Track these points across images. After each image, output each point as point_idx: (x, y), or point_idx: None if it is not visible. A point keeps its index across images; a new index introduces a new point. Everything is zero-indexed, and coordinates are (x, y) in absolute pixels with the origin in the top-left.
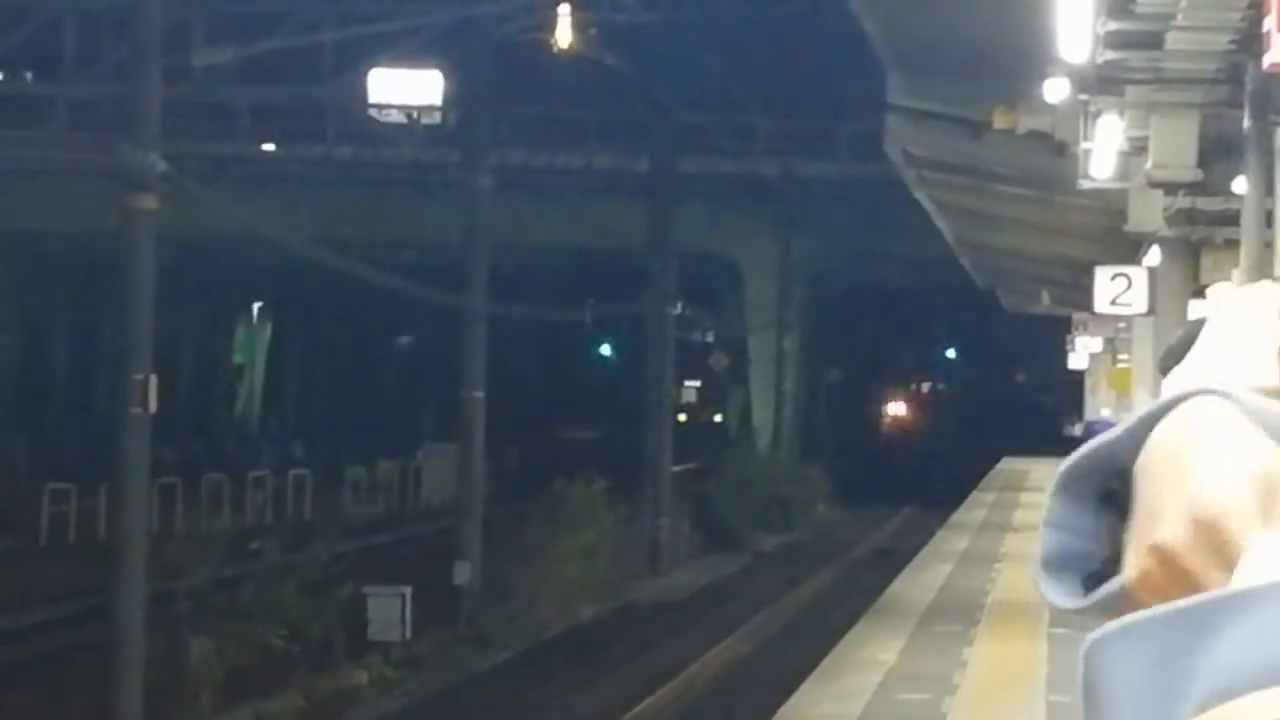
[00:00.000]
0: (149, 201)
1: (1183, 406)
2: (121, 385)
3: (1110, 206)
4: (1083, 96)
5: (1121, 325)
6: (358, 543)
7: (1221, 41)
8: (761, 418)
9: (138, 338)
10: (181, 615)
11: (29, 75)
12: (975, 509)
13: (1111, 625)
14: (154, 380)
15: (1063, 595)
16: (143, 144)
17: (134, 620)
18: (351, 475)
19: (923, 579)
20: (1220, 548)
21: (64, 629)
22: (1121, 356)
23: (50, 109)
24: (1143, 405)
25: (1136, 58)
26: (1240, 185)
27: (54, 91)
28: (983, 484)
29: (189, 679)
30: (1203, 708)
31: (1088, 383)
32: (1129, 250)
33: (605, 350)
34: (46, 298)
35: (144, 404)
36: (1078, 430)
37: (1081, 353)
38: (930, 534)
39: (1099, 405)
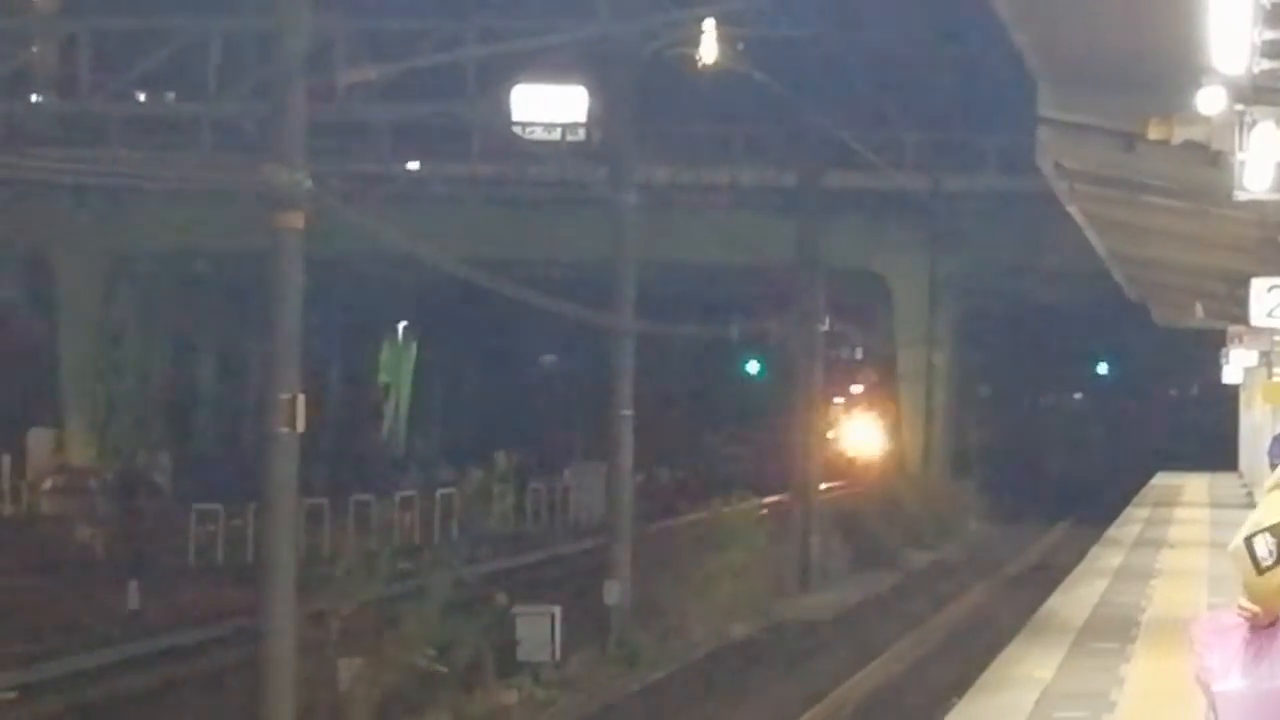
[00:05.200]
0: (296, 220)
1: None
2: (269, 404)
3: (1266, 218)
4: (1239, 107)
5: (1278, 338)
6: (506, 562)
7: None
8: (911, 434)
9: (285, 357)
10: (331, 636)
11: (171, 96)
12: (1129, 525)
13: None
14: (301, 400)
15: None
16: (289, 163)
17: (285, 641)
18: (499, 494)
19: (1078, 595)
20: None
21: (215, 650)
22: (1277, 370)
23: (194, 129)
24: None
25: None
26: None
27: (198, 112)
28: (1136, 499)
29: (339, 700)
30: None
31: (1242, 397)
32: None
33: (753, 367)
34: (194, 317)
35: (292, 423)
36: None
37: (1235, 366)
38: (1084, 550)
39: (1252, 419)
